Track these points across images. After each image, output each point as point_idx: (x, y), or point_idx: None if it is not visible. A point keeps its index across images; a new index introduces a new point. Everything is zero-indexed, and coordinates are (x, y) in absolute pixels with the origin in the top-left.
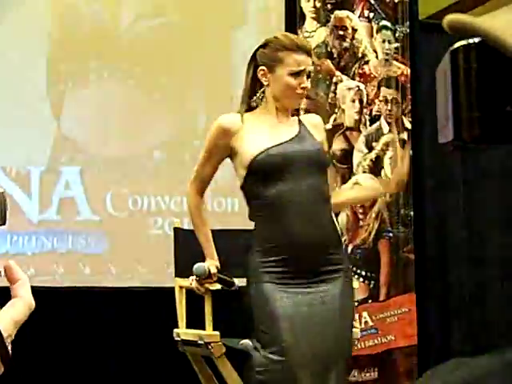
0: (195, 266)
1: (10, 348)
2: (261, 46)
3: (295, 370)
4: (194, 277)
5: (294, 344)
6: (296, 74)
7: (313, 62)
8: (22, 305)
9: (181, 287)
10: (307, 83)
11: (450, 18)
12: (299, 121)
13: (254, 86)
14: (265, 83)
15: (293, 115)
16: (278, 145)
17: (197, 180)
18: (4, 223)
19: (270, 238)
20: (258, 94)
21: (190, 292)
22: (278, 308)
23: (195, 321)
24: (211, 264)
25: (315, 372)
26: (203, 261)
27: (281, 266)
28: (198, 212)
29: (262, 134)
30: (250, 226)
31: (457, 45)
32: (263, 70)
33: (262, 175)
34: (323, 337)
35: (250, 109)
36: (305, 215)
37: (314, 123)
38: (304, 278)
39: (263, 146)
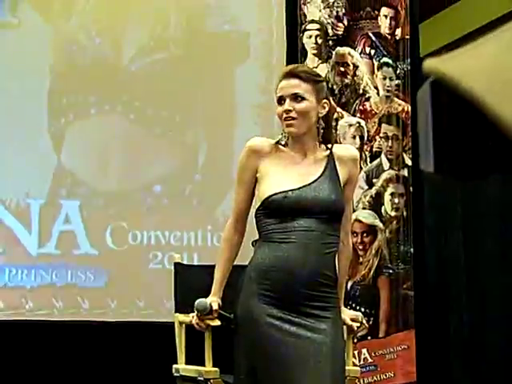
0: (197, 301)
1: None
2: None
3: None
4: (196, 312)
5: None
6: (279, 102)
7: None
8: None
9: (180, 323)
10: (286, 106)
11: (425, 64)
12: (330, 154)
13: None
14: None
15: (327, 143)
16: (295, 189)
17: (233, 212)
18: None
19: (268, 261)
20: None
21: (189, 327)
22: (262, 335)
23: (195, 357)
24: (213, 300)
25: None
26: (203, 297)
27: (272, 291)
28: (226, 246)
29: (282, 172)
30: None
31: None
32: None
33: (273, 213)
34: (315, 375)
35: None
36: (308, 250)
37: (343, 157)
38: (294, 307)
39: (280, 187)
